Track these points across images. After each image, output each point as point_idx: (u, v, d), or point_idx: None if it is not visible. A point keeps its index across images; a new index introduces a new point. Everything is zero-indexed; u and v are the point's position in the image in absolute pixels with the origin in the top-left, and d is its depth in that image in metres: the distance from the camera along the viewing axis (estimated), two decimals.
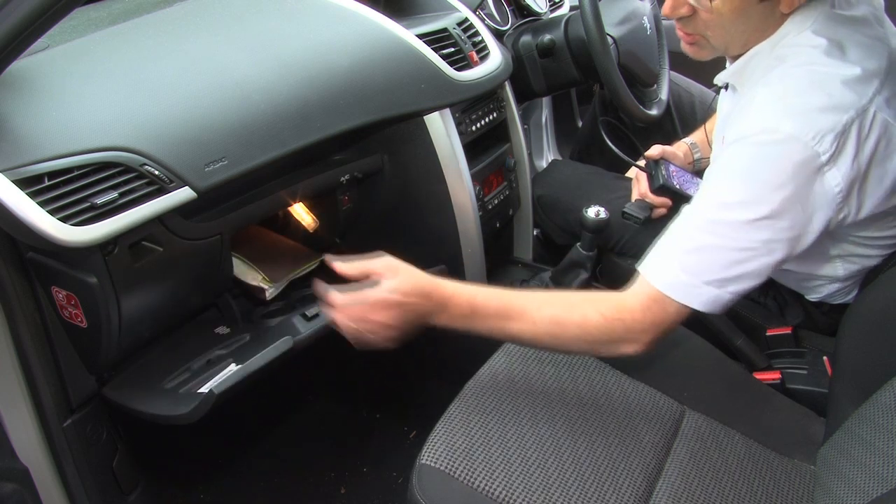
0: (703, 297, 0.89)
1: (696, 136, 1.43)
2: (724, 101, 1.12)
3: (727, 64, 1.06)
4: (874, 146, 0.89)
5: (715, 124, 1.19)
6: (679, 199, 1.31)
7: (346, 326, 0.91)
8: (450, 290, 0.92)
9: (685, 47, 1.03)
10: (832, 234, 0.99)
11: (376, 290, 0.89)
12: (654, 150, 1.36)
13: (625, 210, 1.37)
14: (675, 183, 1.32)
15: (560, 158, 1.91)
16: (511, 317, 0.92)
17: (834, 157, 0.86)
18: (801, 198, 0.86)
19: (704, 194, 0.90)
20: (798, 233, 0.88)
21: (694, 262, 0.88)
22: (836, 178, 0.87)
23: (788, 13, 0.94)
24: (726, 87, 1.09)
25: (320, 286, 0.94)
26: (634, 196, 1.40)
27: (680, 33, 1.02)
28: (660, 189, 1.32)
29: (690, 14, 0.97)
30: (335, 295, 0.91)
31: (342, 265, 0.92)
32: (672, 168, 1.34)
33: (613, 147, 1.33)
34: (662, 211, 1.37)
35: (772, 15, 0.94)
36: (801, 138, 0.85)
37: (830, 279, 1.11)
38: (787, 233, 0.87)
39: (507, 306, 0.92)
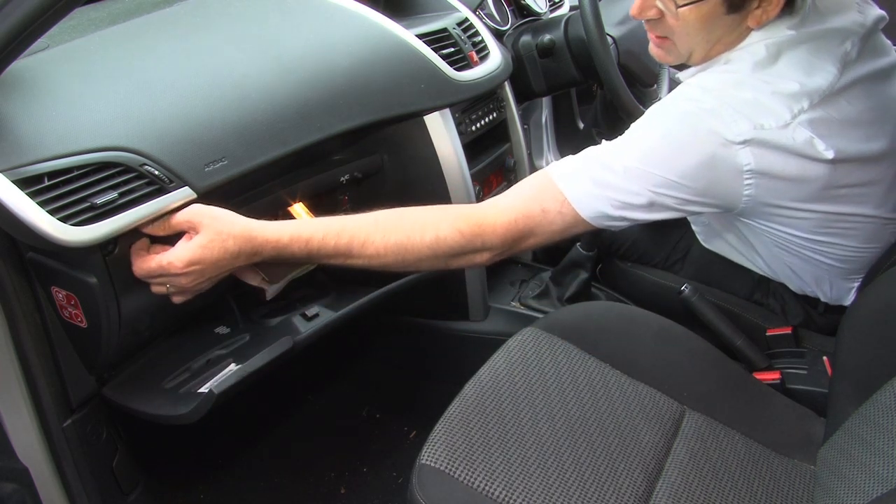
0: (597, 210, 0.94)
1: None
2: None
3: None
4: (789, 154, 0.91)
5: None
6: None
7: (157, 291, 0.91)
8: (272, 238, 0.90)
9: (652, 49, 1.06)
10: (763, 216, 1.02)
11: (172, 258, 0.87)
12: None
13: None
14: None
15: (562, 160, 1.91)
16: (352, 253, 0.92)
17: (746, 143, 0.89)
18: (707, 167, 0.91)
19: (627, 138, 0.95)
20: (698, 198, 0.93)
21: (604, 178, 0.93)
22: (747, 157, 0.90)
23: (754, 28, 0.96)
24: None
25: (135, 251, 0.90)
26: None
27: (649, 35, 1.04)
28: None
29: (658, 17, 0.99)
30: (134, 264, 0.90)
31: (153, 227, 0.89)
32: None
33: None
34: None
35: (738, 28, 0.96)
36: (721, 113, 0.90)
37: (816, 273, 1.11)
38: (688, 195, 0.93)
39: (349, 243, 0.91)
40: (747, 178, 0.92)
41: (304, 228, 0.92)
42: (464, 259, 0.96)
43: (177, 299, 0.93)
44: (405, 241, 0.92)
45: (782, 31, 0.95)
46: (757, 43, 0.95)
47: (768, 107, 0.90)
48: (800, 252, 1.07)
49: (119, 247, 0.90)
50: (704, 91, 0.93)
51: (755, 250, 1.16)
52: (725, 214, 1.08)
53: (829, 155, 0.91)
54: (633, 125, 0.97)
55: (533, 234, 0.96)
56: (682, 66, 1.08)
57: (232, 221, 0.89)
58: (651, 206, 0.93)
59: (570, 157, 0.97)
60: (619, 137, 0.96)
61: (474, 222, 0.93)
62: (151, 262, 0.88)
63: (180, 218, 0.88)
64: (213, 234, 0.88)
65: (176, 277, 0.89)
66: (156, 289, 0.92)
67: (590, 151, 0.96)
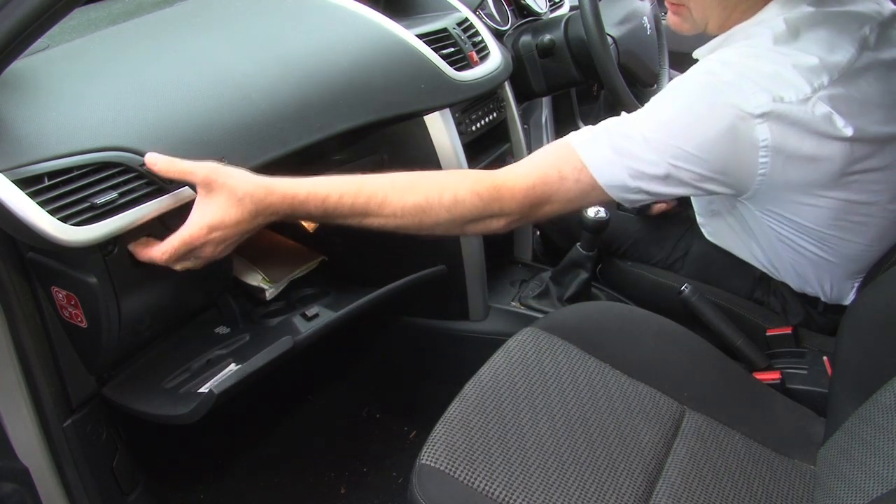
0: (614, 178, 0.93)
1: None
2: None
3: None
4: (806, 131, 0.90)
5: None
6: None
7: (181, 267, 0.89)
8: (289, 194, 0.88)
9: (669, 17, 1.07)
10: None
11: (193, 228, 0.85)
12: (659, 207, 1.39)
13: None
14: None
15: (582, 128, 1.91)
16: (370, 212, 0.90)
17: (765, 116, 0.89)
18: (726, 141, 0.90)
19: (647, 109, 0.95)
20: (714, 174, 0.93)
21: (624, 145, 0.92)
22: (764, 133, 0.90)
23: None
24: None
25: (137, 249, 0.89)
26: None
27: (666, 2, 1.04)
28: None
29: None
30: (151, 251, 0.87)
31: (164, 164, 0.85)
32: None
33: None
34: (662, 206, 1.38)
35: None
36: (740, 86, 0.89)
37: (817, 270, 1.11)
38: (706, 169, 0.92)
39: (366, 202, 0.90)
40: (763, 156, 0.91)
41: (321, 186, 0.90)
42: (481, 224, 0.94)
43: (198, 264, 0.90)
44: (423, 203, 0.90)
45: (802, 7, 0.94)
46: (776, 17, 0.94)
47: (788, 80, 0.89)
48: (804, 248, 1.06)
49: (118, 247, 0.90)
50: (724, 65, 0.92)
51: (759, 246, 1.16)
52: (734, 202, 1.08)
53: (849, 132, 0.90)
54: (654, 97, 0.96)
55: (549, 201, 0.95)
56: (694, 48, 1.08)
57: (246, 178, 0.87)
58: (667, 178, 0.93)
59: (590, 126, 0.97)
60: (641, 108, 0.96)
61: (493, 186, 0.92)
62: (173, 241, 0.86)
63: (197, 171, 0.85)
64: (227, 192, 0.85)
65: (200, 248, 0.86)
66: (180, 265, 0.89)
67: (610, 120, 0.96)
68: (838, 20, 0.95)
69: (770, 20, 0.95)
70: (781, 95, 0.89)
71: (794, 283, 1.18)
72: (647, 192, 0.95)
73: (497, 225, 0.95)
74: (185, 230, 0.86)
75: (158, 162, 0.85)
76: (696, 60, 1.01)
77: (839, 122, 0.90)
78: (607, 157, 0.93)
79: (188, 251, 0.87)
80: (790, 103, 0.89)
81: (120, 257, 0.91)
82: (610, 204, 1.36)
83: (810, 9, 0.95)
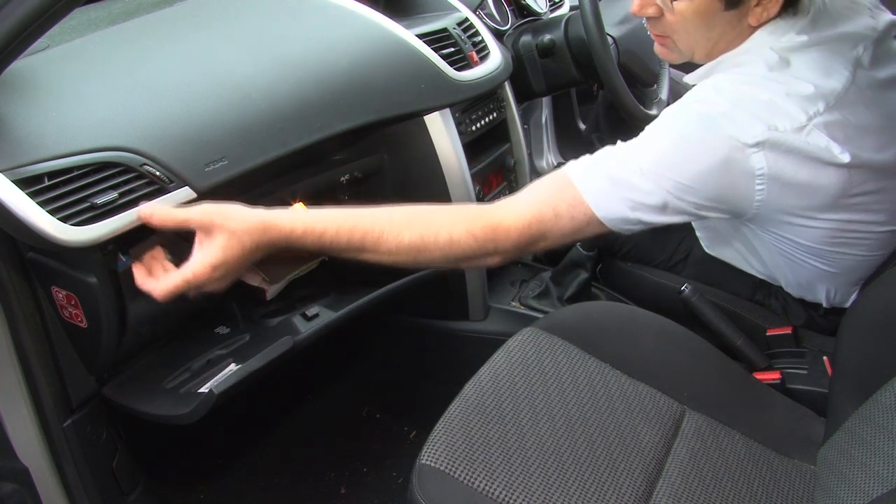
0: (613, 211, 0.92)
1: None
2: None
3: None
4: (802, 159, 0.90)
5: None
6: None
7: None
8: (286, 229, 0.88)
9: (656, 48, 1.06)
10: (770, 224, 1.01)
11: (196, 267, 0.86)
12: None
13: None
14: None
15: (562, 159, 1.91)
16: (365, 249, 0.90)
17: (760, 146, 0.88)
18: (720, 172, 0.90)
19: (641, 140, 0.94)
20: (710, 203, 0.92)
21: (620, 176, 0.91)
22: (760, 162, 0.89)
23: (757, 26, 0.95)
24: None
25: (138, 275, 0.89)
26: None
27: (651, 33, 1.03)
28: None
29: (658, 15, 0.99)
30: (152, 284, 0.88)
31: (160, 217, 0.86)
32: None
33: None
34: None
35: (738, 26, 0.96)
36: (734, 116, 0.89)
37: (819, 279, 1.11)
38: (701, 199, 0.91)
39: (362, 238, 0.90)
40: (759, 184, 0.90)
41: (318, 221, 0.90)
42: (475, 262, 0.95)
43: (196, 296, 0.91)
44: (419, 242, 0.91)
45: (790, 35, 0.94)
46: (763, 47, 0.94)
47: (783, 108, 0.89)
48: (805, 262, 1.06)
49: (130, 259, 0.90)
50: (718, 93, 0.92)
51: (761, 259, 1.16)
52: (733, 221, 1.07)
53: (845, 159, 0.90)
54: (648, 126, 0.96)
55: (544, 238, 0.95)
56: (687, 69, 1.08)
57: (244, 217, 0.87)
58: (665, 208, 0.92)
59: (586, 156, 0.96)
60: (636, 138, 0.95)
61: (488, 226, 0.92)
62: (176, 279, 0.86)
63: (193, 217, 0.86)
64: (227, 233, 0.86)
65: (204, 285, 0.88)
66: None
67: (607, 150, 0.95)
68: (831, 43, 0.94)
69: (757, 48, 0.95)
70: (776, 124, 0.88)
71: (795, 292, 1.17)
72: (645, 223, 0.94)
73: (491, 262, 0.95)
74: (187, 270, 0.87)
75: (154, 213, 0.86)
76: (686, 85, 1.01)
77: (836, 149, 0.90)
78: (604, 188, 0.92)
79: (188, 289, 0.88)
80: (785, 132, 0.88)
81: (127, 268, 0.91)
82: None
83: (800, 37, 0.93)
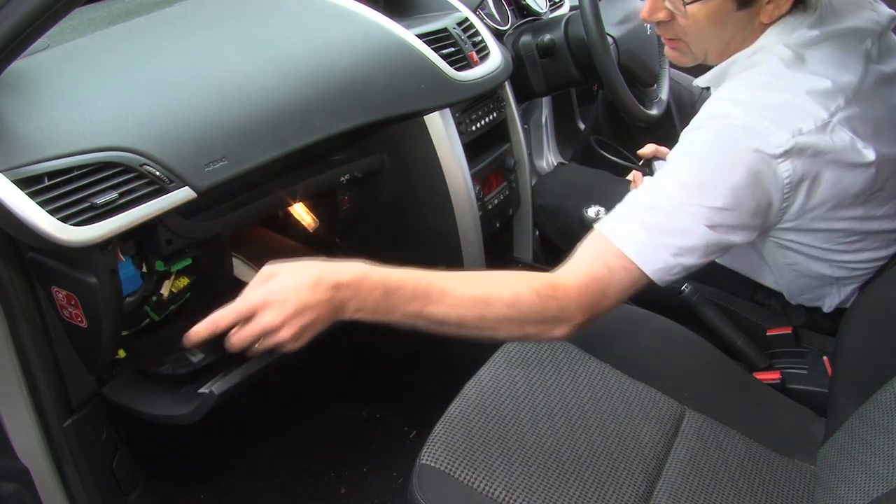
0: (656, 261, 0.87)
1: None
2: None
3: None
4: (828, 161, 0.89)
5: None
6: None
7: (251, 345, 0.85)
8: (355, 273, 0.83)
9: (667, 52, 1.04)
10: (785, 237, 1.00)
11: (269, 304, 0.81)
12: (647, 149, 1.38)
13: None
14: None
15: (562, 159, 1.91)
16: (431, 299, 0.84)
17: (787, 154, 0.86)
18: (751, 186, 0.87)
19: (665, 172, 0.91)
20: (748, 220, 0.89)
21: (654, 221, 0.87)
22: (787, 170, 0.88)
23: (769, 24, 0.94)
24: (707, 88, 1.10)
25: (194, 337, 0.86)
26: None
27: (663, 38, 1.03)
28: None
29: (669, 19, 0.98)
30: (208, 328, 0.84)
31: (215, 321, 0.83)
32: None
33: (610, 156, 1.34)
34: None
35: (750, 24, 0.95)
36: (756, 127, 0.86)
37: (822, 286, 1.11)
38: (739, 219, 0.88)
39: (427, 287, 0.85)
40: (787, 192, 0.89)
41: (383, 268, 0.86)
42: (542, 326, 0.88)
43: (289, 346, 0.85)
44: (483, 296, 0.86)
45: (801, 30, 0.93)
46: (777, 44, 0.93)
47: (804, 108, 0.87)
48: (811, 271, 1.06)
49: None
50: (735, 104, 0.89)
51: (763, 268, 1.16)
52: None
53: (871, 156, 0.89)
54: (671, 156, 0.93)
55: (605, 296, 0.89)
56: (696, 72, 1.07)
57: (307, 263, 0.84)
58: (707, 246, 0.88)
59: (616, 208, 0.92)
60: (658, 172, 0.92)
61: (549, 284, 0.88)
62: (248, 332, 0.83)
63: (248, 290, 0.83)
64: (284, 268, 0.83)
65: (262, 314, 0.82)
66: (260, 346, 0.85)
67: (633, 197, 0.91)
68: (841, 38, 0.94)
69: (771, 46, 0.94)
70: (800, 127, 0.86)
71: (796, 300, 1.17)
72: (686, 267, 0.90)
73: (560, 332, 0.89)
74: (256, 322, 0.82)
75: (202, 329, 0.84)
76: (698, 89, 1.00)
77: (859, 144, 0.89)
78: (642, 238, 0.88)
79: (245, 315, 0.83)
80: (810, 133, 0.86)
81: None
82: (608, 205, 1.37)
83: (811, 32, 0.93)
